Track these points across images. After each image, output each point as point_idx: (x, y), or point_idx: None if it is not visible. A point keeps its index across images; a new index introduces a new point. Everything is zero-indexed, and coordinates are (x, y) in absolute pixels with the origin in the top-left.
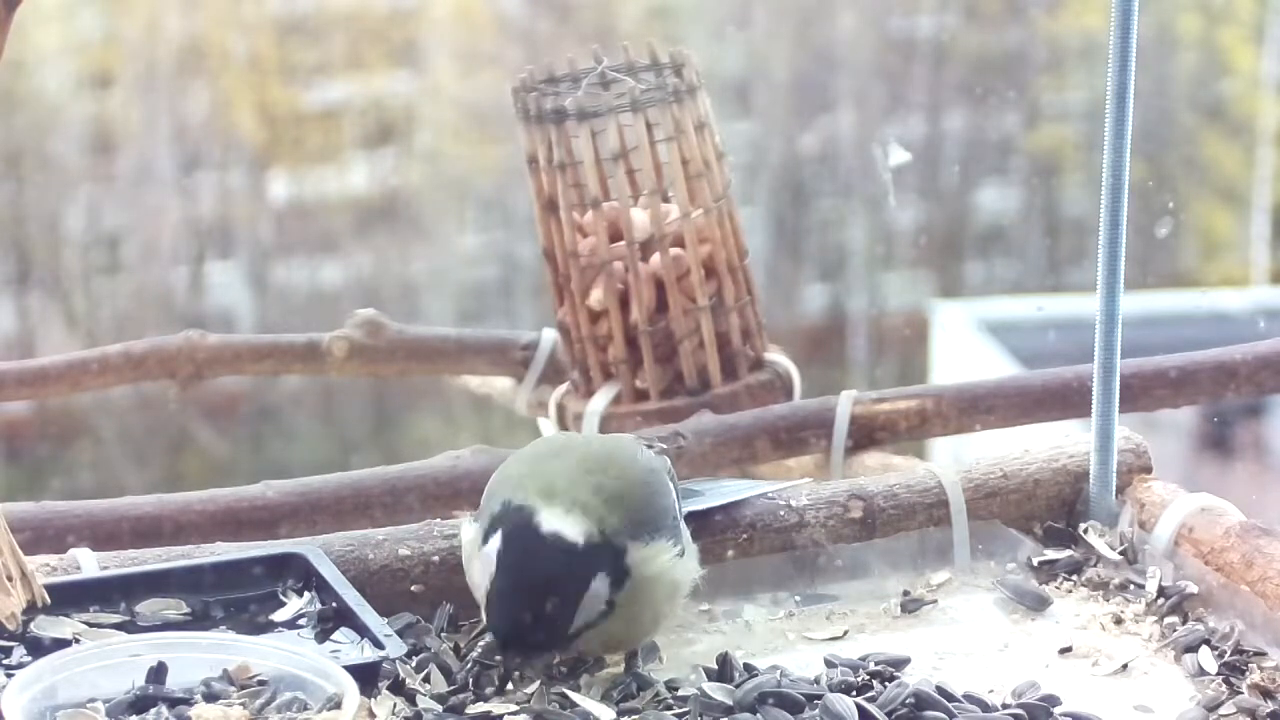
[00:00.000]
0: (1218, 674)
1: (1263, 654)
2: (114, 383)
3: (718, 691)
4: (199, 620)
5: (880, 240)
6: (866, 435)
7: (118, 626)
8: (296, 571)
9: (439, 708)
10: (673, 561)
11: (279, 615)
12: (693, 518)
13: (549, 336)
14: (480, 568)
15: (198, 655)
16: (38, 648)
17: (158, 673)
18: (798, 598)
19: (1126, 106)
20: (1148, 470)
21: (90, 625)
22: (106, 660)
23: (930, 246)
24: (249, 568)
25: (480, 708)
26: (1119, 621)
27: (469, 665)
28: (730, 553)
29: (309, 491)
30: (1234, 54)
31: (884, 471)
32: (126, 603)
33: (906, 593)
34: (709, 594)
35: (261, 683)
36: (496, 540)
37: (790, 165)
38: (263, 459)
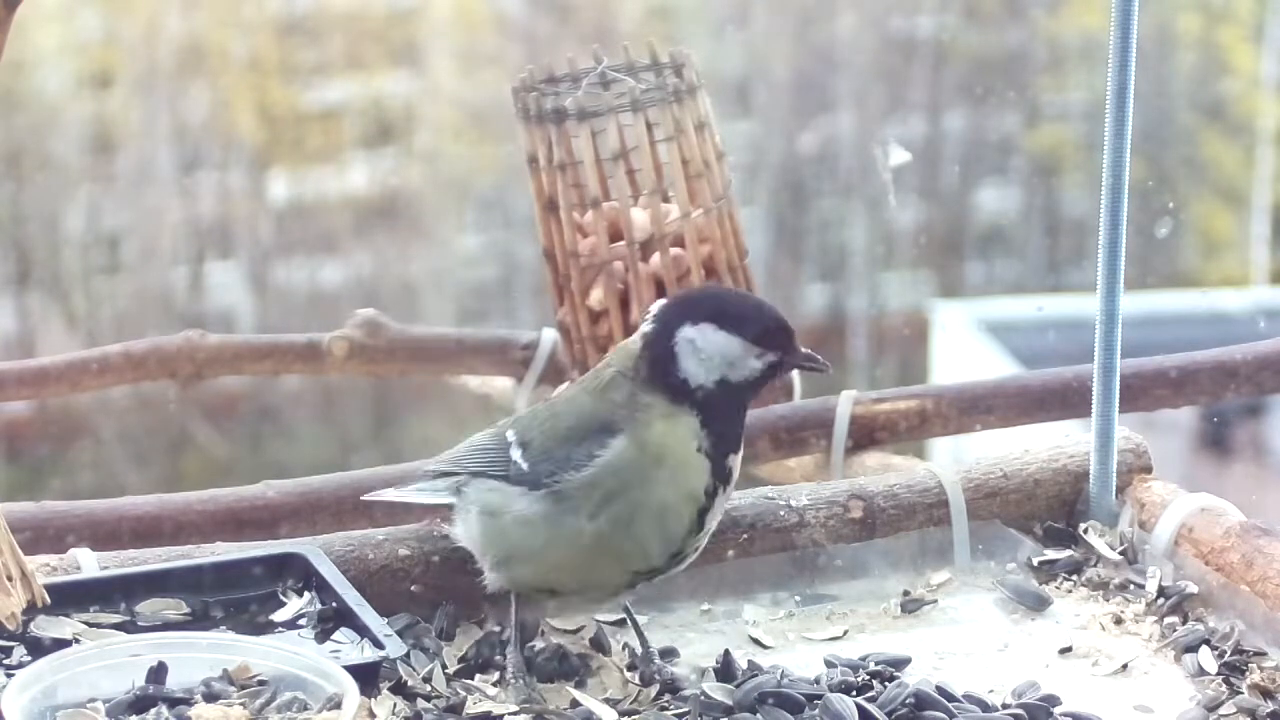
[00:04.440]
0: (1218, 674)
1: (1263, 654)
2: (114, 383)
3: (718, 691)
4: (199, 620)
5: (880, 240)
6: (866, 435)
7: (118, 626)
8: (296, 571)
9: (438, 708)
10: None
11: (279, 615)
12: None
13: (549, 336)
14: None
15: (198, 655)
16: (38, 648)
17: (158, 673)
18: (798, 598)
19: (1126, 106)
20: (1148, 470)
21: (90, 625)
22: (106, 660)
23: (930, 246)
24: (249, 568)
25: (480, 708)
26: (1119, 621)
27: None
28: (730, 553)
29: (309, 491)
30: (1234, 54)
31: (884, 471)
32: (126, 603)
33: (906, 593)
34: (709, 594)
35: (261, 683)
36: (696, 332)
37: (790, 165)
38: (263, 459)
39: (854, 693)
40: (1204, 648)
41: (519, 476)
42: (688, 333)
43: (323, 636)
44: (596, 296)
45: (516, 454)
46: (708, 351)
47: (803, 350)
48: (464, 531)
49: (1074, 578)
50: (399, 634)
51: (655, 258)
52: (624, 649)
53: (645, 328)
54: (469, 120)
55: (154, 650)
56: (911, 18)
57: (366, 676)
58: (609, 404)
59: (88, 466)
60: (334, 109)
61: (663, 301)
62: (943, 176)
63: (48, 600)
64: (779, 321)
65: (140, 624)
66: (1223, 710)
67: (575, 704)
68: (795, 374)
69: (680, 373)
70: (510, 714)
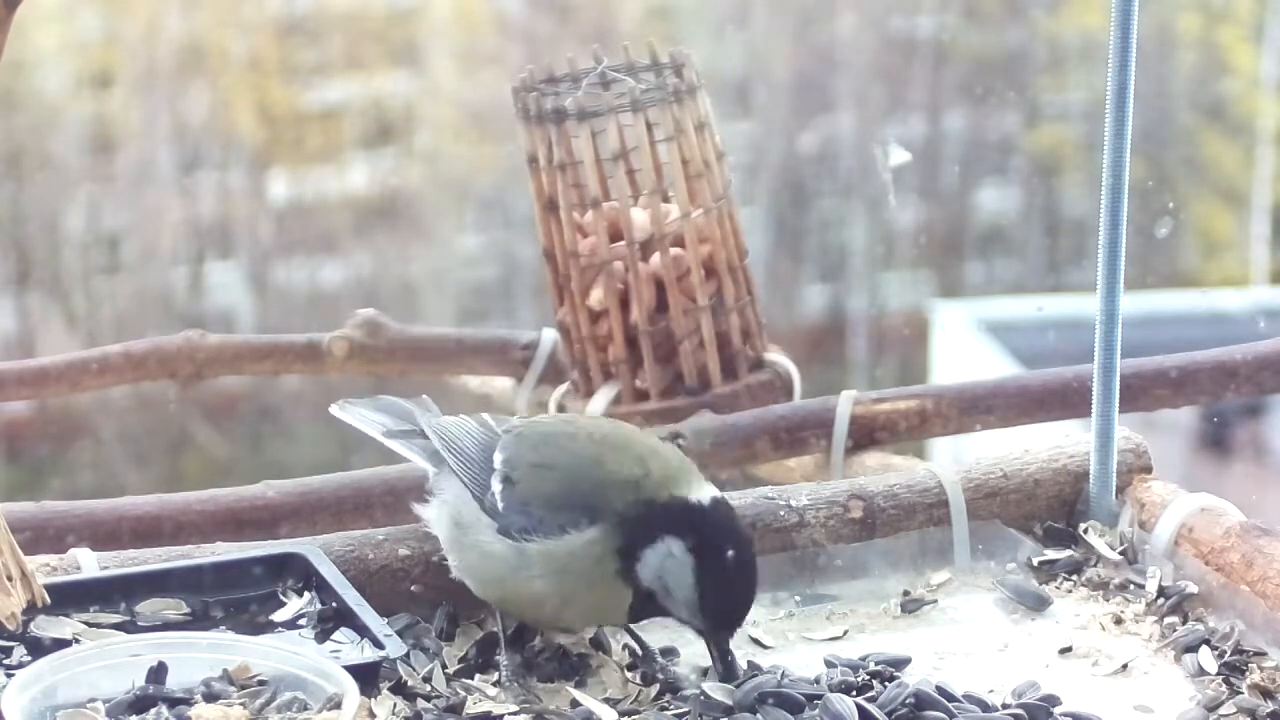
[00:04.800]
0: (1218, 674)
1: (1263, 654)
2: (114, 383)
3: (718, 691)
4: (199, 620)
5: (880, 240)
6: (866, 435)
7: (118, 626)
8: (296, 571)
9: (438, 708)
10: None
11: (279, 615)
12: None
13: (549, 336)
14: (673, 574)
15: (198, 655)
16: (38, 648)
17: (158, 673)
18: (798, 598)
19: (1126, 106)
20: (1148, 470)
21: (90, 625)
22: (106, 660)
23: (930, 246)
24: (249, 568)
25: (480, 708)
26: (1119, 621)
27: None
28: (730, 552)
29: (309, 491)
30: (1234, 54)
31: (884, 471)
32: (126, 603)
33: (906, 593)
34: None
35: (261, 683)
36: (679, 549)
37: (790, 165)
38: (263, 459)
39: (854, 693)
40: (1204, 648)
41: (491, 509)
42: (670, 544)
43: (323, 636)
44: (596, 296)
45: (496, 486)
46: (667, 570)
47: (725, 648)
48: (434, 521)
49: (1074, 578)
50: (399, 634)
51: (655, 258)
52: (624, 649)
53: (657, 498)
54: (469, 120)
55: (154, 650)
56: (911, 18)
57: (366, 676)
58: (603, 493)
59: (88, 466)
60: (334, 109)
61: (676, 501)
62: (943, 176)
63: (48, 600)
64: (742, 612)
65: (140, 624)
66: (1223, 710)
67: (575, 704)
68: (795, 374)
69: (638, 560)
70: (510, 714)
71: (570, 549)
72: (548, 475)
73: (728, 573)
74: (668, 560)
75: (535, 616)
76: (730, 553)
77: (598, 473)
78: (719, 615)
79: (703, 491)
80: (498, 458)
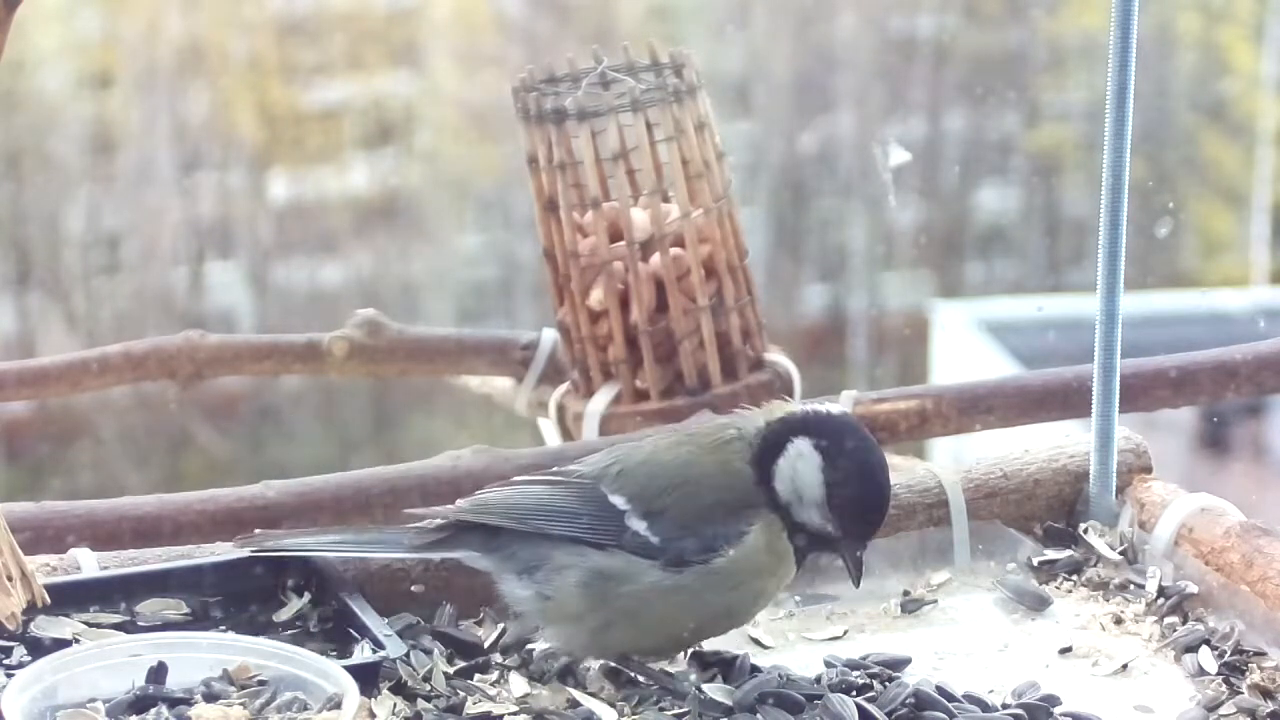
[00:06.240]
0: (1218, 674)
1: (1263, 654)
2: (114, 383)
3: (718, 692)
4: (199, 620)
5: (880, 240)
6: None
7: (118, 626)
8: (296, 571)
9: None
10: None
11: (279, 615)
12: None
13: (549, 336)
14: (803, 475)
15: (198, 655)
16: (38, 648)
17: (158, 673)
18: (798, 598)
19: (1126, 106)
20: (1148, 470)
21: (90, 625)
22: (106, 660)
23: (930, 246)
24: (249, 568)
25: (480, 708)
26: (1119, 621)
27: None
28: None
29: (309, 491)
30: (1234, 54)
31: None
32: (126, 603)
33: (906, 593)
34: None
35: (261, 683)
36: (806, 447)
37: (790, 165)
38: (263, 459)
39: (854, 693)
40: (1204, 648)
41: (643, 549)
42: (800, 445)
43: (323, 637)
44: (596, 296)
45: (638, 525)
46: (798, 473)
47: (857, 552)
48: (535, 594)
49: (1074, 578)
50: (399, 634)
51: (655, 258)
52: None
53: (771, 419)
54: (469, 120)
55: (154, 650)
56: (911, 18)
57: (366, 676)
58: (741, 478)
59: (88, 466)
60: (334, 109)
61: (803, 409)
62: (943, 176)
63: (48, 600)
64: (872, 512)
65: (140, 624)
66: (1223, 710)
67: (575, 704)
68: (795, 374)
69: (773, 475)
70: (510, 714)
71: (758, 545)
72: (692, 490)
73: (856, 470)
74: (798, 462)
75: (705, 633)
76: (855, 448)
77: (714, 466)
78: (849, 516)
79: (813, 404)
80: (618, 499)
